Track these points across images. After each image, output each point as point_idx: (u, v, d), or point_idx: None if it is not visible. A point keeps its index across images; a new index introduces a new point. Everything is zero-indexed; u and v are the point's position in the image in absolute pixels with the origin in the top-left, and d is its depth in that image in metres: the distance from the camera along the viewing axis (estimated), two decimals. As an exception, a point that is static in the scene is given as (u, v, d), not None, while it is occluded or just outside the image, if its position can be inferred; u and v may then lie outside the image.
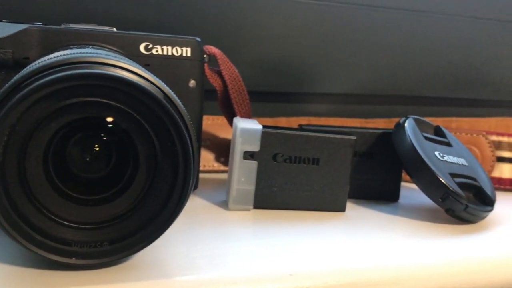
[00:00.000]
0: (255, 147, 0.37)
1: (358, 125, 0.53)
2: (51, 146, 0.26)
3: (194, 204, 0.38)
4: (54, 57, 0.26)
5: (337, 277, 0.28)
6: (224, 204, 0.38)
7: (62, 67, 0.25)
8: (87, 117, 0.26)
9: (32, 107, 0.25)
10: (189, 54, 0.37)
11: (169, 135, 0.26)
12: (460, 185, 0.38)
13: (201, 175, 0.42)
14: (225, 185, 0.39)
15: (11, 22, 0.34)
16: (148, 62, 0.36)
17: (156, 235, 0.27)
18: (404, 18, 0.59)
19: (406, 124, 0.40)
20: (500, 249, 0.34)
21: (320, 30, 0.56)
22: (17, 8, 0.45)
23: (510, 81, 0.66)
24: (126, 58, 0.31)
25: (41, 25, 0.34)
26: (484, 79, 0.64)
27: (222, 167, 0.47)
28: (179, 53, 0.37)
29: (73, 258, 0.26)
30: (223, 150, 0.47)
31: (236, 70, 0.43)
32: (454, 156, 0.40)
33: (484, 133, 0.49)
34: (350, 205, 0.40)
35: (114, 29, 0.36)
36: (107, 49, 0.34)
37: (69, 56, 0.26)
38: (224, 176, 0.41)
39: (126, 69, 0.26)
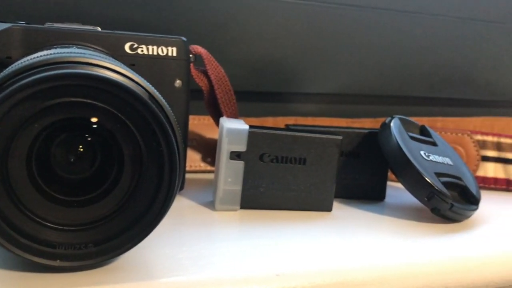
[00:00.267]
0: (241, 147, 0.37)
1: (344, 124, 0.53)
2: (34, 147, 0.26)
3: (180, 205, 0.38)
4: (38, 57, 0.26)
5: (324, 277, 0.28)
6: (211, 205, 0.38)
7: (46, 67, 0.25)
8: (71, 118, 0.26)
9: (15, 108, 0.24)
10: (174, 54, 0.37)
11: (154, 136, 0.26)
12: (446, 184, 0.38)
13: (187, 175, 0.41)
14: (212, 185, 0.39)
15: (-6, 21, 0.33)
16: (133, 62, 0.35)
17: (141, 237, 0.27)
18: (390, 19, 0.59)
19: (392, 124, 0.40)
20: (485, 248, 0.34)
21: (307, 30, 0.56)
22: None
23: (494, 81, 0.66)
24: (111, 58, 0.30)
25: (24, 24, 0.34)
26: (469, 79, 0.65)
27: (209, 167, 0.47)
28: (165, 52, 0.37)
29: (58, 260, 0.26)
30: (209, 150, 0.47)
31: (222, 70, 0.42)
32: (439, 155, 0.41)
33: (469, 132, 0.49)
34: (336, 205, 0.40)
35: (99, 29, 0.36)
36: (91, 49, 0.33)
37: (53, 56, 0.25)
38: (210, 176, 0.41)
39: (110, 69, 0.25)
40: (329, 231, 0.35)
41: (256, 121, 0.50)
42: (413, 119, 0.43)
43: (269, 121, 0.52)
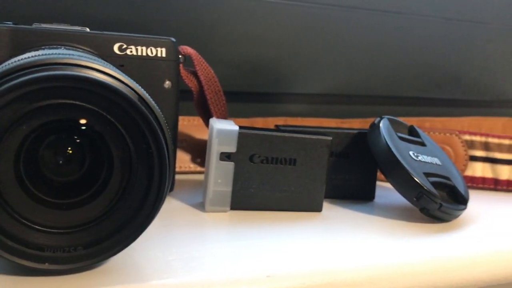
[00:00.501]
0: (231, 148, 0.36)
1: (333, 125, 0.53)
2: (22, 149, 0.26)
3: (170, 206, 0.37)
4: (25, 58, 0.25)
5: (314, 278, 0.29)
6: (201, 206, 0.38)
7: (34, 69, 0.24)
8: (60, 120, 0.26)
9: (3, 109, 0.24)
10: (164, 55, 0.37)
11: (143, 138, 0.26)
12: (434, 184, 0.38)
13: (177, 176, 0.41)
14: (202, 186, 0.39)
15: (-20, 22, 0.33)
16: (122, 62, 0.35)
17: (131, 239, 0.26)
18: (379, 20, 0.59)
19: (381, 125, 0.40)
20: (474, 247, 0.35)
21: (296, 30, 0.56)
22: (-14, 7, 0.44)
23: (481, 81, 0.67)
24: (100, 59, 0.30)
25: (12, 25, 0.33)
26: (457, 79, 0.65)
27: (199, 168, 0.47)
28: (154, 53, 0.37)
29: (46, 264, 0.25)
30: (199, 151, 0.47)
31: (212, 71, 0.42)
32: (428, 155, 0.41)
33: (457, 132, 0.50)
34: (326, 205, 0.40)
35: (87, 29, 0.35)
36: (80, 50, 0.33)
37: (40, 57, 0.25)
38: (200, 177, 0.41)
39: (99, 70, 0.25)
40: (319, 232, 0.35)
41: (245, 122, 0.50)
42: (401, 119, 0.44)
43: (259, 122, 0.52)
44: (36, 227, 0.26)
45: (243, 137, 0.37)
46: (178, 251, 0.30)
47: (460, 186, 0.40)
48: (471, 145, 0.49)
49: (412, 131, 0.44)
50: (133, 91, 0.26)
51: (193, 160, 0.47)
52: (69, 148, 0.28)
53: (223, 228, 0.35)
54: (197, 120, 0.46)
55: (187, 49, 0.41)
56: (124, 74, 0.26)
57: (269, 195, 0.38)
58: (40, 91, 0.24)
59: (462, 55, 0.65)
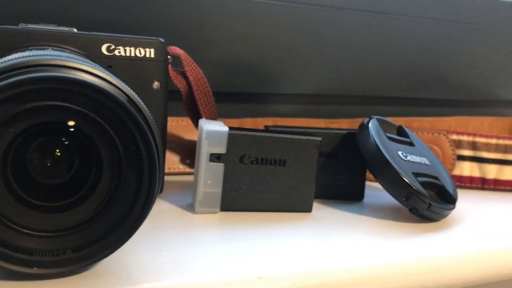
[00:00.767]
0: (221, 149, 0.36)
1: (322, 125, 0.54)
2: (10, 152, 0.26)
3: (160, 208, 0.37)
4: (12, 59, 0.25)
5: (305, 279, 0.29)
6: (191, 207, 0.38)
7: (20, 70, 0.24)
8: (48, 122, 0.26)
9: (-11, 112, 0.24)
10: (152, 55, 0.37)
11: (133, 139, 0.25)
12: (423, 184, 0.38)
13: (166, 178, 0.41)
14: (191, 187, 0.39)
15: (-35, 22, 0.32)
16: (110, 63, 0.35)
17: (121, 242, 0.26)
18: (366, 20, 0.59)
19: (370, 125, 0.40)
20: (463, 247, 0.35)
21: (285, 31, 0.56)
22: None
23: (468, 81, 0.68)
24: (88, 60, 0.30)
25: (-3, 25, 0.33)
26: (444, 79, 0.66)
27: (188, 169, 0.47)
28: (143, 54, 0.36)
29: (35, 268, 0.25)
30: (188, 152, 0.47)
31: (201, 71, 0.42)
32: (416, 155, 0.41)
33: (445, 132, 0.50)
34: (316, 206, 0.40)
35: (75, 30, 0.35)
36: (67, 51, 0.33)
37: (27, 58, 0.25)
38: (190, 178, 0.40)
39: (87, 71, 0.25)
40: (310, 233, 0.35)
41: (235, 122, 0.50)
42: (390, 119, 0.44)
43: (248, 122, 0.52)
44: (24, 231, 0.25)
45: (233, 138, 0.37)
46: (168, 253, 0.30)
47: (449, 186, 0.41)
48: (458, 144, 0.50)
49: (400, 131, 0.44)
50: (121, 92, 0.25)
51: (182, 161, 0.47)
52: (58, 150, 0.27)
53: (213, 230, 0.35)
54: (186, 121, 0.46)
55: (176, 50, 0.41)
56: (112, 75, 0.26)
57: (259, 196, 0.38)
58: (28, 93, 0.24)
59: (449, 55, 0.65)
